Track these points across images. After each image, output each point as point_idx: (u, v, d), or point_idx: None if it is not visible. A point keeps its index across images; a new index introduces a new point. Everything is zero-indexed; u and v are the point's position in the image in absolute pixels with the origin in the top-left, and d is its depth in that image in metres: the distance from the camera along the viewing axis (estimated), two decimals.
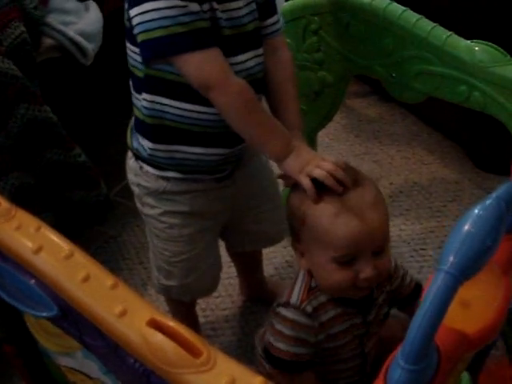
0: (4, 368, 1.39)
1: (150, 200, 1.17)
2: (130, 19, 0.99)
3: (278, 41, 1.13)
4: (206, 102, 1.01)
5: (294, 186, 1.02)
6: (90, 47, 1.63)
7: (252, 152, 1.19)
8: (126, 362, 0.73)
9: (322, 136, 1.74)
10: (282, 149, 1.01)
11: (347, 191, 0.97)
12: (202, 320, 1.49)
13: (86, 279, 0.74)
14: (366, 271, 0.98)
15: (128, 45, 1.05)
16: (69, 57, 1.60)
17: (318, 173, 0.97)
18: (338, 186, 0.96)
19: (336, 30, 1.33)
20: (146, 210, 1.19)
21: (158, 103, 1.05)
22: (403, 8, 1.23)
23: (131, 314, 0.70)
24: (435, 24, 1.19)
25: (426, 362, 0.62)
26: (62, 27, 1.62)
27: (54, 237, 0.80)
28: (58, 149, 1.47)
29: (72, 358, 0.94)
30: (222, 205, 1.20)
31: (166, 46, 0.95)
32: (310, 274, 1.07)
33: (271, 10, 1.11)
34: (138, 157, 1.15)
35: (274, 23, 1.11)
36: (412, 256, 1.62)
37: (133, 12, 0.96)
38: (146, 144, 1.10)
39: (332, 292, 1.05)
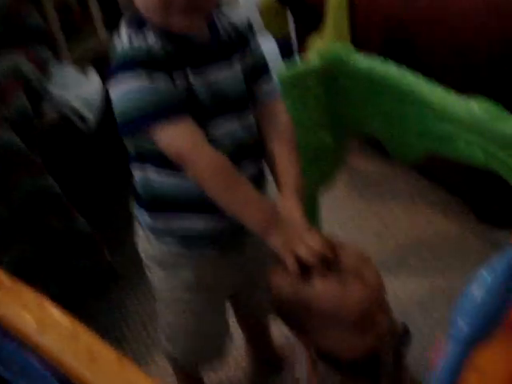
0: None
1: (155, 267, 1.15)
2: None
3: (274, 104, 1.12)
4: None
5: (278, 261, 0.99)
6: (91, 115, 1.65)
7: None
8: None
9: (325, 196, 1.73)
10: (262, 222, 0.98)
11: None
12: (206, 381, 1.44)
13: (93, 360, 0.72)
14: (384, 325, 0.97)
15: None
16: (70, 125, 1.62)
17: (303, 252, 0.94)
18: (322, 267, 0.95)
19: (335, 92, 1.34)
20: (151, 277, 1.18)
21: (147, 175, 1.05)
22: (401, 69, 1.24)
23: None
24: (433, 83, 1.20)
25: None
26: (62, 97, 1.64)
27: (58, 314, 0.78)
28: (60, 218, 1.47)
29: None
30: (229, 275, 1.16)
31: (137, 121, 0.95)
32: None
33: (263, 73, 1.11)
34: (140, 223, 1.14)
35: (266, 86, 1.11)
36: (422, 315, 1.58)
37: (110, 91, 0.98)
38: (145, 214, 1.10)
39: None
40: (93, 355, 0.72)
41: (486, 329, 0.58)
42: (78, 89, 1.70)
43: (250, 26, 1.10)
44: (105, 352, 0.73)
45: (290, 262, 0.95)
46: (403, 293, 1.65)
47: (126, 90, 0.95)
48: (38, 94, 1.59)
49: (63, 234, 1.48)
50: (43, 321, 0.77)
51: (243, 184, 0.99)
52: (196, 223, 1.07)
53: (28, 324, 0.77)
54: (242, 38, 1.07)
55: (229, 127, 1.04)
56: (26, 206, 1.41)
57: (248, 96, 1.08)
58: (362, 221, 1.93)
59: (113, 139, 1.10)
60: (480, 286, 0.61)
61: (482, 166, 1.16)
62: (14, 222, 1.38)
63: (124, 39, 0.98)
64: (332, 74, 1.33)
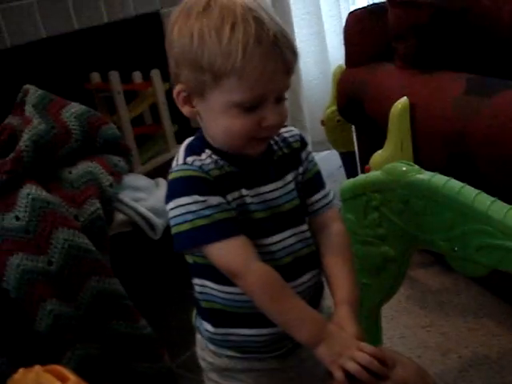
0: None
1: (214, 376, 1.15)
2: None
3: (328, 215, 1.13)
4: None
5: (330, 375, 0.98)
6: (160, 222, 1.72)
7: None
8: None
9: (386, 308, 1.72)
10: (311, 337, 0.98)
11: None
12: None
13: None
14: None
15: None
16: (139, 231, 1.69)
17: (351, 366, 0.93)
18: (372, 380, 0.93)
19: (396, 206, 1.35)
20: None
21: (206, 287, 1.07)
22: (461, 184, 1.26)
23: None
24: (494, 198, 1.21)
25: None
26: (133, 203, 1.72)
27: None
28: (124, 321, 1.50)
29: None
30: None
31: (190, 238, 0.99)
32: None
33: (317, 186, 1.13)
34: (201, 333, 1.15)
35: (321, 199, 1.13)
36: None
37: (167, 208, 1.02)
38: (205, 325, 1.11)
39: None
40: None
41: None
42: (148, 196, 1.77)
43: (302, 142, 1.12)
44: None
45: (338, 375, 0.94)
46: None
47: (180, 212, 0.98)
48: (110, 201, 1.67)
49: (126, 336, 1.51)
50: None
51: (292, 297, 1.00)
52: (255, 335, 1.08)
53: None
54: (295, 155, 1.10)
55: (286, 242, 1.06)
56: (93, 306, 1.45)
57: (303, 210, 1.11)
58: (424, 334, 1.89)
59: None
60: None
61: None
62: (80, 322, 1.42)
63: (180, 160, 1.02)
64: (393, 186, 1.35)
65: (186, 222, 0.98)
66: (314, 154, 1.17)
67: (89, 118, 1.77)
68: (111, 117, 2.10)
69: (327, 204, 1.14)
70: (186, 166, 1.01)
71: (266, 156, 1.06)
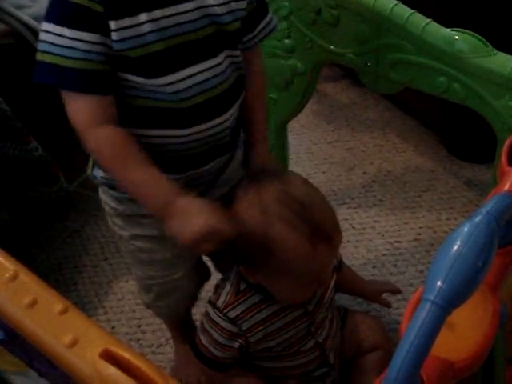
0: None
1: (118, 221, 1.08)
2: None
3: (256, 51, 1.05)
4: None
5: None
6: None
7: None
8: None
9: (293, 123, 1.67)
10: (157, 209, 0.90)
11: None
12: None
13: (33, 304, 0.67)
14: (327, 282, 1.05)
15: None
16: (23, 43, 1.51)
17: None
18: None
19: (307, 15, 1.25)
20: (117, 230, 1.10)
21: None
22: None
23: (83, 344, 0.63)
24: (413, 11, 1.11)
25: None
26: (15, 11, 1.52)
27: None
28: (13, 143, 1.38)
29: (27, 376, 0.86)
30: None
31: (50, 75, 0.87)
32: (239, 276, 1.04)
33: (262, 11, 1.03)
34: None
35: (260, 31, 1.03)
36: (387, 249, 1.56)
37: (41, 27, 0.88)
38: (99, 172, 1.03)
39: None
40: (34, 301, 0.67)
41: (464, 290, 0.53)
42: (31, 2, 1.57)
43: None
44: (47, 297, 0.67)
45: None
46: (370, 227, 1.62)
47: (47, 38, 0.85)
48: None
49: (17, 159, 1.39)
50: None
51: (139, 164, 0.90)
52: None
53: None
54: None
55: (196, 78, 0.93)
56: None
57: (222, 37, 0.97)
58: (330, 149, 1.88)
59: None
60: (459, 241, 0.56)
61: (460, 102, 1.10)
62: None
63: None
64: None
65: (49, 53, 0.85)
66: None
67: None
68: None
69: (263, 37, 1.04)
70: None
71: None
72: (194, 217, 0.86)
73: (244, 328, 1.04)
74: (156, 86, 0.90)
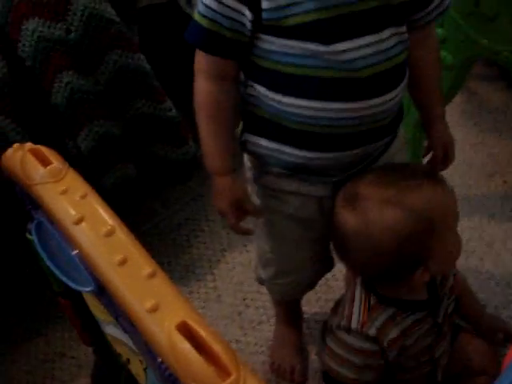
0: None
1: (257, 190, 1.07)
2: None
3: (431, 27, 1.00)
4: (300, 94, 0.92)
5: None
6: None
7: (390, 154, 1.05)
8: (155, 358, 0.65)
9: None
10: (211, 168, 1.02)
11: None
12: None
13: (123, 262, 0.66)
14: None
15: None
16: (174, 4, 1.52)
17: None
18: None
19: (464, 5, 1.17)
20: (254, 199, 1.09)
21: (258, 93, 0.97)
22: None
23: (163, 312, 0.62)
24: None
25: None
26: None
27: (100, 208, 0.72)
28: (148, 100, 1.40)
29: (117, 328, 0.87)
30: None
31: (198, 36, 0.93)
32: (366, 291, 0.99)
33: None
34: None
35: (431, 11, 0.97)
36: None
37: None
38: (252, 138, 1.02)
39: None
40: (124, 259, 0.66)
41: None
42: None
43: None
44: (137, 258, 0.67)
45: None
46: (500, 240, 1.51)
47: (209, 3, 0.89)
48: None
49: (149, 117, 1.41)
50: (83, 213, 0.71)
51: (221, 125, 0.99)
52: (304, 157, 0.99)
53: (67, 214, 0.71)
54: None
55: (361, 51, 0.89)
56: (114, 82, 1.34)
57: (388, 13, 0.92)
58: (471, 152, 1.76)
59: None
60: None
61: None
62: (99, 98, 1.33)
63: None
64: None
65: (205, 17, 0.90)
66: None
67: None
68: None
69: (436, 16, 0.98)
70: None
71: None
72: (220, 195, 1.01)
73: (385, 344, 0.99)
74: (330, 53, 0.88)
